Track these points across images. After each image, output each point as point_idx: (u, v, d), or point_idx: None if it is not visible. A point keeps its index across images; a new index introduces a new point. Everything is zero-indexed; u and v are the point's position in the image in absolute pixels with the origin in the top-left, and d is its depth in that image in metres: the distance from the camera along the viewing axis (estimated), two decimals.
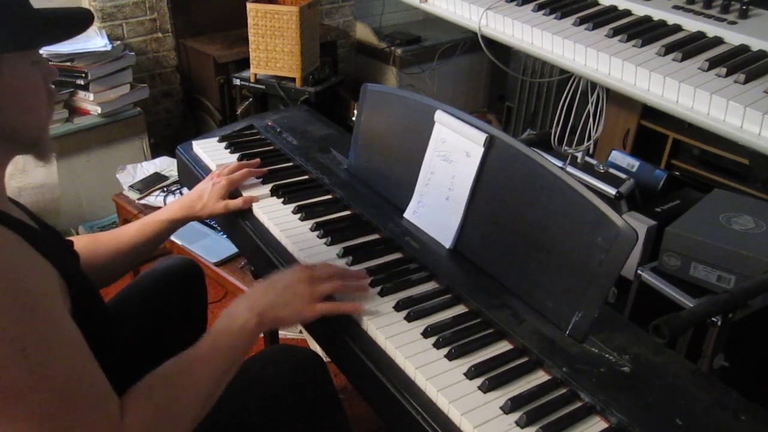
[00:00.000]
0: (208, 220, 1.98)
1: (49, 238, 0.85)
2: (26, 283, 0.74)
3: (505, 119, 3.46)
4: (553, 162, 1.03)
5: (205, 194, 1.30)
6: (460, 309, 1.04)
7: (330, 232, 1.21)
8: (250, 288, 1.01)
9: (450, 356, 0.93)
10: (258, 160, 1.43)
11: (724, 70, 1.25)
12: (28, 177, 2.36)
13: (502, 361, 0.93)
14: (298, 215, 1.28)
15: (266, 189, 1.37)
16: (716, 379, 0.94)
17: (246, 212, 1.32)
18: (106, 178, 2.48)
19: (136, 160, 2.50)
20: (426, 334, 0.97)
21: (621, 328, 1.00)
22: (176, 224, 1.30)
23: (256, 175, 1.39)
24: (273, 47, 2.63)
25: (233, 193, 1.34)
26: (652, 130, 2.46)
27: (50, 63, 2.37)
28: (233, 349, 0.91)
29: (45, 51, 2.38)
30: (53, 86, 0.90)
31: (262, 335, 1.88)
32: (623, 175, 1.86)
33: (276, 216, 1.28)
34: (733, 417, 0.85)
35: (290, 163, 1.48)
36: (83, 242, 1.18)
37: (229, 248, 1.84)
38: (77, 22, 0.88)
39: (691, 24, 1.46)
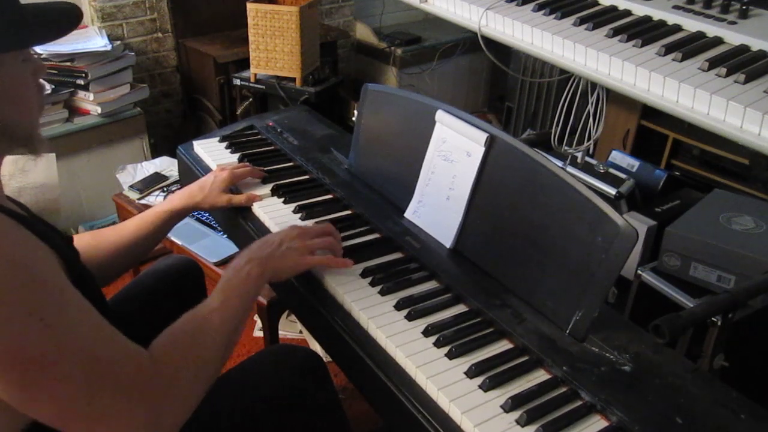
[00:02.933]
0: (209, 220, 1.98)
1: (49, 233, 0.85)
2: (31, 259, 0.75)
3: (505, 119, 3.46)
4: (553, 161, 1.03)
5: (207, 186, 1.30)
6: (460, 308, 1.05)
7: None
8: (251, 244, 1.07)
9: (450, 355, 0.93)
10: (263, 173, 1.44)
11: (724, 70, 1.25)
12: (28, 177, 2.36)
13: (502, 359, 0.93)
14: (299, 215, 1.28)
15: (267, 189, 1.37)
16: (716, 379, 0.94)
17: (247, 212, 1.33)
18: (106, 178, 2.48)
19: (136, 160, 2.50)
20: (426, 333, 0.97)
21: (621, 328, 1.00)
22: (177, 215, 1.29)
23: (258, 176, 1.39)
24: (273, 47, 2.63)
25: (234, 191, 1.35)
26: (652, 130, 2.46)
27: (50, 63, 2.39)
28: (243, 296, 0.98)
29: (45, 51, 2.38)
30: (42, 81, 0.91)
31: (262, 335, 1.88)
32: (623, 175, 1.86)
33: (277, 215, 1.28)
34: (733, 416, 0.85)
35: (291, 163, 1.48)
36: (85, 239, 1.19)
37: (229, 248, 1.84)
38: (67, 20, 0.88)
39: (691, 24, 1.46)
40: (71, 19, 0.89)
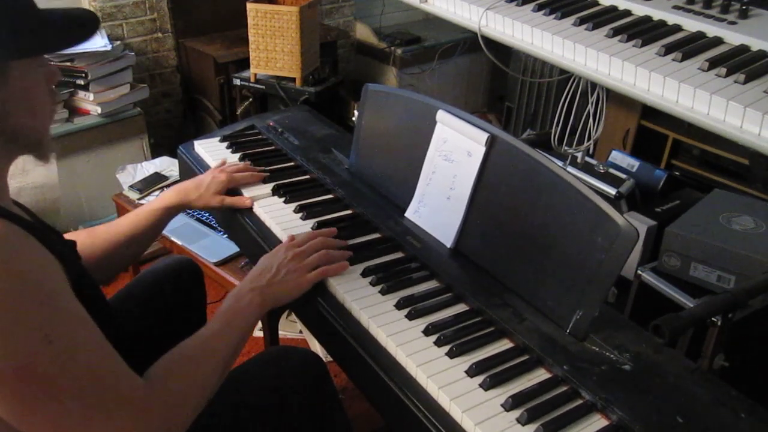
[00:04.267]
0: (209, 220, 1.98)
1: (53, 238, 0.85)
2: (39, 272, 0.76)
3: (505, 119, 3.46)
4: (554, 161, 1.04)
5: (203, 185, 1.31)
6: (461, 307, 1.05)
7: None
8: (248, 274, 1.08)
9: (451, 354, 0.93)
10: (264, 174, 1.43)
11: (724, 70, 1.25)
12: (28, 177, 2.36)
13: (503, 359, 0.93)
14: (300, 214, 1.28)
15: (267, 188, 1.37)
16: (716, 378, 0.94)
17: (248, 212, 1.33)
18: (106, 178, 2.48)
19: (136, 160, 2.50)
20: (427, 332, 0.98)
21: (621, 327, 1.00)
22: (171, 211, 1.29)
23: (258, 180, 1.39)
24: (273, 47, 2.63)
25: (233, 191, 1.35)
26: (652, 130, 2.46)
27: (50, 63, 2.39)
28: (242, 325, 1.00)
29: None
30: (55, 87, 0.91)
31: (262, 335, 1.88)
32: (623, 175, 1.86)
33: (277, 215, 1.28)
34: (733, 415, 0.85)
35: (291, 163, 1.48)
36: (81, 237, 1.19)
37: (229, 248, 1.84)
38: (85, 27, 0.88)
39: (691, 24, 1.46)
40: (88, 27, 0.89)
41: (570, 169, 1.88)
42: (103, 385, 0.77)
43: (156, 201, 1.29)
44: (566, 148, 1.96)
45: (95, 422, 0.76)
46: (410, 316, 1.01)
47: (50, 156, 0.92)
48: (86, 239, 1.19)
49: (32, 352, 0.71)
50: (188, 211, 1.90)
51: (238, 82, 2.79)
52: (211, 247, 1.87)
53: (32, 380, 0.72)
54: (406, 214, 1.25)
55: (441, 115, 1.19)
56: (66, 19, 0.87)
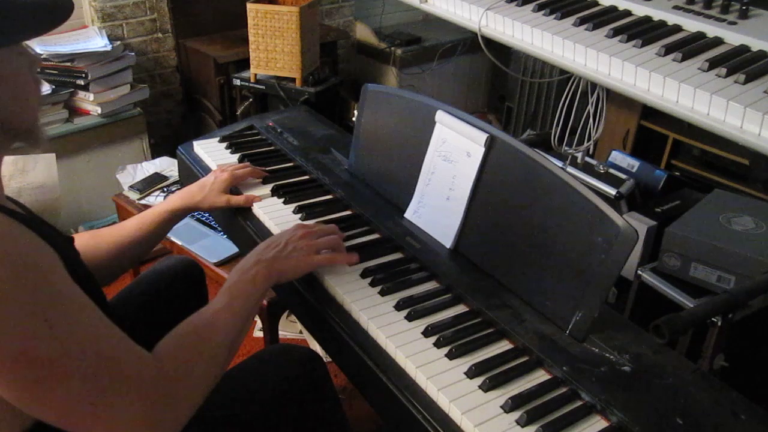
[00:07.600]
0: (209, 221, 1.98)
1: (50, 233, 0.85)
2: (35, 259, 0.76)
3: (505, 119, 3.46)
4: (553, 162, 1.03)
5: (207, 186, 1.31)
6: (460, 308, 1.05)
7: None
8: (256, 247, 1.07)
9: (450, 355, 0.93)
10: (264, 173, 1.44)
11: (724, 71, 1.25)
12: (28, 177, 2.36)
13: (502, 360, 0.93)
14: (299, 215, 1.28)
15: (267, 189, 1.37)
16: (716, 379, 0.94)
17: (247, 212, 1.33)
18: (106, 178, 2.48)
19: (136, 161, 2.51)
20: (426, 333, 0.97)
21: (621, 328, 1.00)
22: (176, 215, 1.29)
23: (259, 176, 1.39)
24: (273, 47, 2.63)
25: (234, 191, 1.35)
26: (652, 130, 2.47)
27: (50, 63, 2.39)
28: (249, 297, 0.98)
29: (46, 51, 2.38)
30: (37, 74, 0.91)
31: (262, 335, 1.88)
32: (623, 176, 1.86)
33: (277, 216, 1.28)
34: (733, 416, 0.85)
35: (291, 164, 1.48)
36: (84, 239, 1.19)
37: (229, 248, 1.84)
38: (59, 11, 0.88)
39: (691, 24, 1.46)
40: (63, 11, 0.88)
41: (570, 169, 1.88)
42: (111, 365, 0.77)
43: (161, 205, 1.29)
44: (566, 148, 1.96)
45: (103, 402, 0.76)
46: (410, 317, 1.01)
47: (42, 143, 0.92)
48: (90, 241, 1.19)
49: (33, 336, 0.72)
50: None
51: (238, 82, 2.79)
52: (211, 247, 1.87)
53: (36, 365, 0.72)
54: (405, 215, 1.25)
55: (440, 116, 1.19)
56: (38, 6, 0.87)
